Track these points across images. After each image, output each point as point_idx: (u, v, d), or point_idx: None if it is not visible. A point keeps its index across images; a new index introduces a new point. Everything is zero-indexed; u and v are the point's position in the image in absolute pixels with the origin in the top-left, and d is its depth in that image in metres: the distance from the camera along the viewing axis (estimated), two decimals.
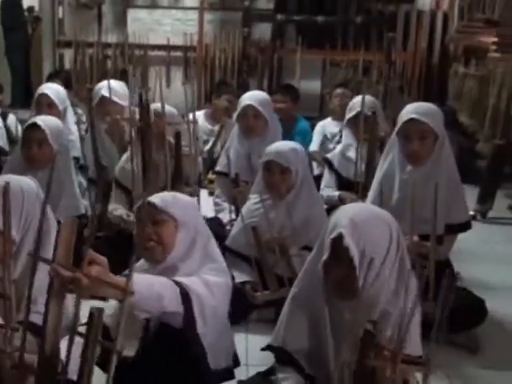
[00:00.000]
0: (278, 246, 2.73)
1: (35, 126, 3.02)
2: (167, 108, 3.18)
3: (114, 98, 3.69)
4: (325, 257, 1.76)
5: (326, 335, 1.84)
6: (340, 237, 1.72)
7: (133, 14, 6.82)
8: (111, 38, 6.82)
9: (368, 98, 3.51)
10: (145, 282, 1.64)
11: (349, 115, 3.56)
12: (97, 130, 3.58)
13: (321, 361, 1.87)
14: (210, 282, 1.84)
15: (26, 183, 1.94)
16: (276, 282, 2.71)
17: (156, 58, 6.80)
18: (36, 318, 1.76)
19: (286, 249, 2.73)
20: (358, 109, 3.39)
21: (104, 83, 3.90)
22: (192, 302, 1.75)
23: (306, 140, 4.68)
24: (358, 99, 3.52)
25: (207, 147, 4.86)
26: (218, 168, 3.74)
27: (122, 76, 5.37)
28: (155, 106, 3.14)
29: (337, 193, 3.49)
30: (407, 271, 1.78)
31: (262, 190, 2.93)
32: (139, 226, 1.94)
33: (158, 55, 6.81)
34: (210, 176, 4.30)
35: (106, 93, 3.74)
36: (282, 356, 1.95)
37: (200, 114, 5.02)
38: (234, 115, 3.69)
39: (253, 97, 3.65)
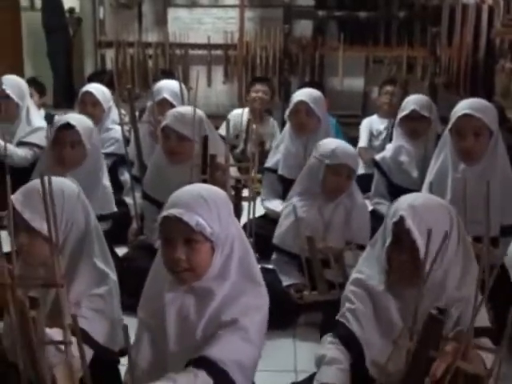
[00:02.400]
0: (333, 255, 2.63)
1: (68, 126, 2.97)
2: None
3: (174, 102, 3.67)
4: (388, 242, 1.78)
5: (391, 324, 1.81)
6: (401, 220, 1.74)
7: (173, 13, 6.79)
8: (152, 37, 6.80)
9: (422, 97, 3.43)
10: None
11: (401, 114, 3.46)
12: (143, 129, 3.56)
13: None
14: (249, 330, 1.63)
15: (66, 185, 1.91)
16: (326, 284, 2.63)
17: (196, 57, 6.76)
18: (78, 321, 1.72)
19: (341, 257, 2.64)
20: (412, 107, 3.31)
21: (165, 84, 3.88)
22: (232, 377, 1.59)
23: (338, 135, 4.60)
24: (411, 98, 3.44)
25: (241, 146, 4.83)
26: (267, 164, 3.68)
27: (163, 75, 5.33)
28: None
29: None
30: (472, 258, 1.82)
31: (310, 188, 2.85)
32: (168, 247, 1.65)
33: (198, 54, 6.77)
34: (256, 175, 4.23)
35: (167, 95, 3.73)
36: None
37: (243, 111, 4.98)
38: (287, 112, 3.62)
39: (305, 93, 3.58)
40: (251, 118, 4.53)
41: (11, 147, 3.82)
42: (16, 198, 1.78)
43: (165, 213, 1.63)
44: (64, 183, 1.90)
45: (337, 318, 1.94)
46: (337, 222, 2.79)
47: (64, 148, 2.97)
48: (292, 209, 2.81)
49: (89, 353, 1.72)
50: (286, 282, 2.71)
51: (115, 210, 3.19)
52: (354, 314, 1.88)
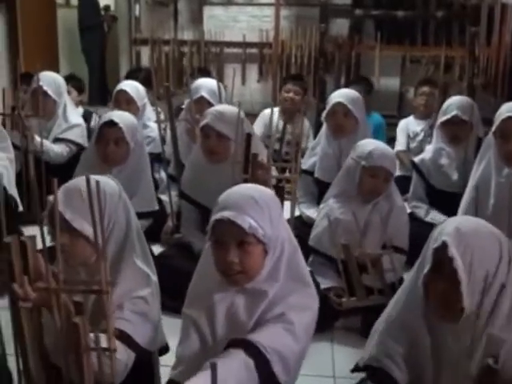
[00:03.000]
0: (370, 261, 2.58)
1: (112, 124, 2.97)
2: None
3: (211, 100, 3.66)
4: (426, 269, 1.60)
5: (425, 362, 1.65)
6: (444, 246, 1.55)
7: (208, 11, 6.79)
8: (187, 35, 6.81)
9: (464, 99, 3.36)
10: None
11: (442, 118, 3.38)
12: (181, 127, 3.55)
13: None
14: (294, 324, 1.61)
15: (108, 184, 1.88)
16: (364, 289, 2.58)
17: (231, 55, 6.75)
18: (122, 325, 1.71)
19: (378, 263, 2.59)
20: (454, 112, 3.24)
21: (202, 82, 3.87)
22: (272, 366, 1.57)
23: (378, 136, 4.53)
24: (453, 101, 3.37)
25: (275, 146, 4.79)
26: (303, 166, 3.64)
27: (200, 74, 5.33)
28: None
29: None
30: None
31: (347, 190, 2.81)
32: (221, 250, 1.64)
33: (233, 52, 6.75)
34: (288, 175, 4.19)
35: (205, 94, 3.72)
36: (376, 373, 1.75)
37: (274, 111, 4.93)
38: (324, 113, 3.56)
39: (343, 94, 3.50)
40: (285, 119, 4.50)
41: (48, 143, 3.84)
42: (62, 196, 1.76)
43: (217, 215, 1.61)
44: (106, 183, 1.87)
45: (369, 362, 1.79)
46: (374, 224, 2.74)
47: (107, 145, 2.98)
48: (327, 212, 2.78)
49: (131, 356, 1.71)
50: (323, 284, 2.67)
51: (157, 207, 3.20)
52: (390, 357, 1.72)
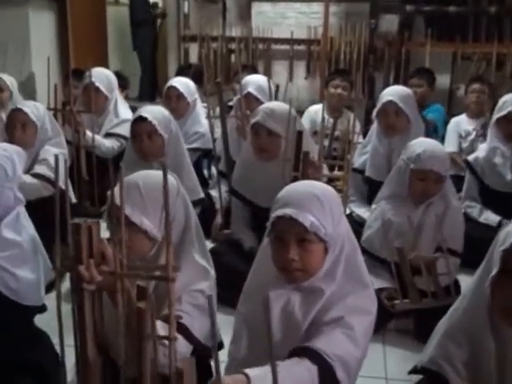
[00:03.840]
0: (424, 265, 2.52)
1: (142, 119, 3.01)
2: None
3: (259, 96, 3.64)
4: (493, 272, 1.51)
5: (488, 371, 1.58)
6: None
7: (257, 8, 6.77)
8: (235, 31, 6.80)
9: None
10: None
11: (497, 115, 3.30)
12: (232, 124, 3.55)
13: None
14: (354, 329, 1.57)
15: (174, 186, 1.89)
16: (417, 292, 2.53)
17: (279, 52, 6.72)
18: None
19: (433, 267, 2.54)
20: (510, 108, 3.16)
21: (250, 78, 3.87)
22: (336, 373, 1.53)
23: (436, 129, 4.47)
24: (509, 97, 3.28)
25: (324, 143, 4.74)
26: (355, 165, 3.60)
27: (247, 71, 5.31)
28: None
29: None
30: None
31: (398, 191, 2.76)
32: (281, 247, 1.61)
33: (280, 49, 6.72)
34: (337, 173, 4.16)
35: (253, 90, 3.71)
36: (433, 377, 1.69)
37: (321, 107, 4.88)
38: (374, 112, 3.51)
39: (394, 92, 3.42)
40: (333, 115, 4.45)
41: (99, 138, 3.89)
42: (116, 193, 1.78)
43: (278, 212, 1.59)
44: (172, 184, 1.88)
45: (427, 365, 1.72)
46: (428, 226, 2.67)
47: (142, 140, 3.02)
48: (380, 214, 2.74)
49: (188, 348, 1.71)
50: (376, 285, 2.62)
51: (202, 195, 3.21)
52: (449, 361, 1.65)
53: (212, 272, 1.88)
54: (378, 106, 3.43)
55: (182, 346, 1.66)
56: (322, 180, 2.54)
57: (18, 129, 3.15)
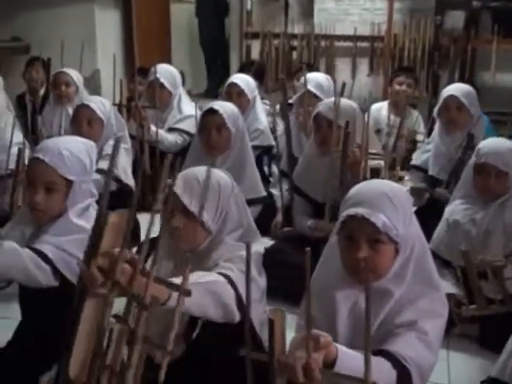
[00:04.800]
0: (491, 269, 2.43)
1: (213, 112, 3.03)
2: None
3: (317, 93, 3.63)
4: None
5: None
6: None
7: (319, 5, 6.70)
8: (297, 28, 6.76)
9: None
10: None
11: None
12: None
13: None
14: (428, 334, 1.55)
15: (222, 177, 1.94)
16: (484, 298, 2.43)
17: (341, 49, 6.65)
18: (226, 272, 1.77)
19: (500, 272, 2.44)
20: None
21: (311, 76, 3.84)
22: (412, 378, 1.50)
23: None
24: None
25: (390, 141, 4.66)
26: (415, 162, 3.54)
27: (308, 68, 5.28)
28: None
29: None
30: None
31: (469, 191, 2.69)
32: (351, 247, 1.59)
33: (343, 46, 6.65)
34: (399, 172, 4.09)
35: (312, 88, 3.69)
36: None
37: (384, 105, 4.81)
38: (436, 109, 3.44)
39: (456, 88, 3.41)
40: (397, 112, 4.38)
41: (162, 133, 3.95)
42: (175, 183, 1.80)
43: (350, 211, 1.56)
44: (220, 175, 1.93)
45: (498, 376, 1.70)
46: (498, 229, 2.56)
47: (210, 133, 3.05)
48: (448, 213, 2.67)
49: (233, 299, 1.72)
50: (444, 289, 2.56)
51: (264, 193, 3.22)
52: None
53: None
54: (439, 102, 3.40)
55: (230, 295, 1.68)
56: (360, 172, 2.58)
57: (85, 124, 3.21)
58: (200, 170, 1.88)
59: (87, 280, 1.40)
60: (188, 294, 1.36)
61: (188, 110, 4.12)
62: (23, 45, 6.02)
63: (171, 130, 4.07)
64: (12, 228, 2.13)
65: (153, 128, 3.81)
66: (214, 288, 1.66)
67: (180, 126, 4.08)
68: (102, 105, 3.28)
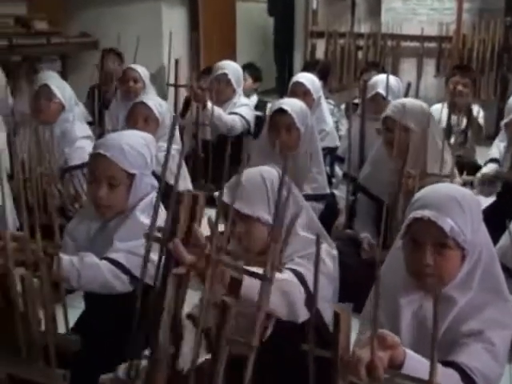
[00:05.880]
0: None
1: (282, 111, 3.01)
2: None
3: (387, 96, 3.57)
4: None
5: None
6: None
7: (387, 4, 6.63)
8: (364, 28, 6.70)
9: None
10: None
11: None
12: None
13: None
14: (496, 345, 1.48)
15: (263, 169, 1.93)
16: None
17: (407, 49, 6.56)
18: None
19: None
20: None
21: (380, 78, 3.78)
22: None
23: None
24: None
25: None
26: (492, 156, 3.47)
27: (374, 68, 5.22)
28: None
29: None
30: None
31: None
32: (416, 250, 1.54)
33: (410, 46, 6.55)
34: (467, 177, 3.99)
35: (381, 90, 3.62)
36: None
37: (443, 106, 4.70)
38: (502, 123, 3.35)
39: None
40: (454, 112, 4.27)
41: (219, 110, 4.08)
42: (227, 190, 1.79)
43: (416, 213, 1.52)
44: (259, 168, 1.93)
45: None
46: None
47: (279, 133, 3.02)
48: None
49: (302, 293, 1.71)
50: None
51: (328, 190, 3.20)
52: None
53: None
54: (506, 117, 3.27)
55: (299, 295, 1.68)
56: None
57: (141, 121, 3.22)
58: (246, 171, 1.88)
59: (178, 255, 1.31)
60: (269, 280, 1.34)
61: (245, 101, 4.35)
62: (91, 40, 6.16)
63: (230, 114, 4.20)
64: (77, 224, 2.15)
65: (209, 103, 3.89)
66: (285, 287, 1.65)
67: (236, 110, 4.21)
68: (159, 105, 3.31)
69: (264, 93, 6.77)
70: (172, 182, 3.23)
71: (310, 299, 1.69)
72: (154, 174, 3.03)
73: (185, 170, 3.49)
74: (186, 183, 3.44)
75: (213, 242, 1.30)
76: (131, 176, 2.05)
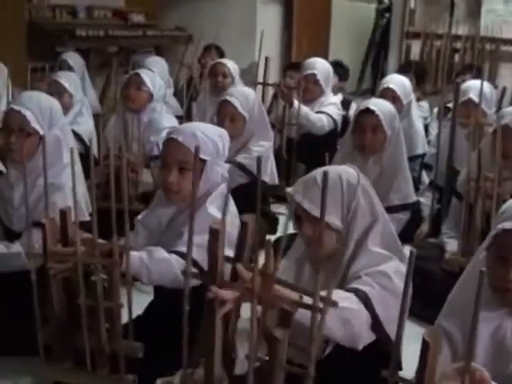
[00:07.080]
0: None
1: (369, 112, 2.95)
2: None
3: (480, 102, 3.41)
4: None
5: None
6: None
7: (487, 5, 6.38)
8: (462, 29, 6.48)
9: None
10: None
11: None
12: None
13: None
14: None
15: (347, 172, 1.85)
16: None
17: (507, 54, 6.30)
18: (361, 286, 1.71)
19: None
20: None
21: (473, 83, 3.62)
22: None
23: None
24: None
25: None
26: None
27: (469, 71, 5.04)
28: None
29: None
30: None
31: None
32: (500, 265, 1.46)
33: (509, 50, 6.30)
34: None
35: (474, 96, 3.46)
36: None
37: None
38: None
39: None
40: None
41: (306, 108, 4.05)
42: (295, 190, 1.79)
43: (505, 225, 1.42)
44: (344, 171, 1.85)
45: None
46: None
47: (364, 134, 2.96)
48: None
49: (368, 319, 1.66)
50: None
51: (415, 199, 3.11)
52: None
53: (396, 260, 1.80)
54: None
55: (362, 322, 1.62)
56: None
57: (227, 121, 3.22)
58: (318, 171, 1.80)
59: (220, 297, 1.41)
60: (334, 304, 1.32)
61: (332, 99, 4.28)
62: (185, 35, 6.24)
63: (317, 113, 4.17)
64: (148, 215, 2.17)
65: (296, 102, 3.87)
66: (348, 315, 1.59)
67: (324, 109, 4.16)
68: (244, 100, 3.28)
69: (352, 93, 6.70)
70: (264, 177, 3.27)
71: (376, 321, 1.64)
72: (243, 167, 3.05)
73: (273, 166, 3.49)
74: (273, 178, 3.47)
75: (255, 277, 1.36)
76: (202, 162, 2.03)
